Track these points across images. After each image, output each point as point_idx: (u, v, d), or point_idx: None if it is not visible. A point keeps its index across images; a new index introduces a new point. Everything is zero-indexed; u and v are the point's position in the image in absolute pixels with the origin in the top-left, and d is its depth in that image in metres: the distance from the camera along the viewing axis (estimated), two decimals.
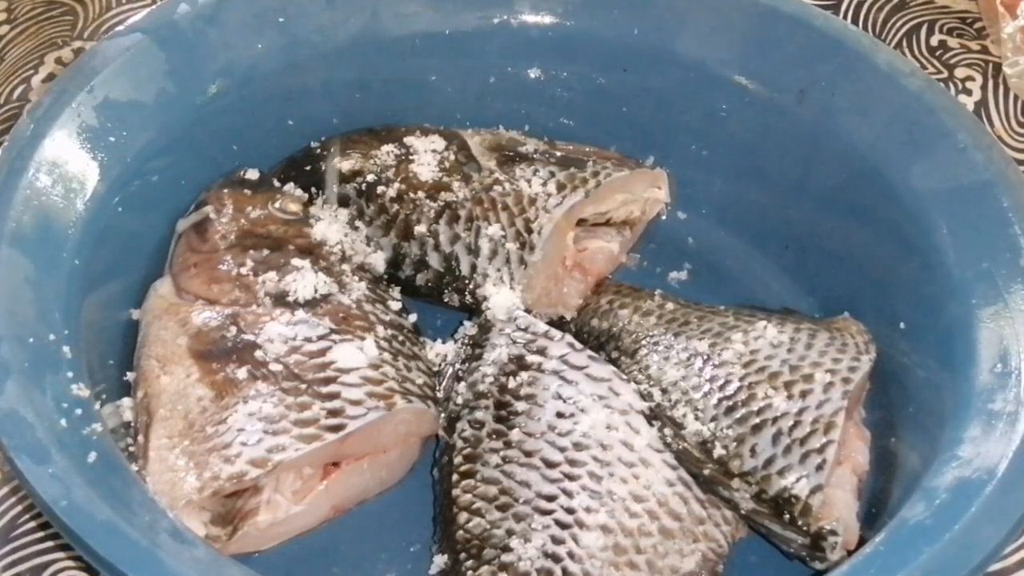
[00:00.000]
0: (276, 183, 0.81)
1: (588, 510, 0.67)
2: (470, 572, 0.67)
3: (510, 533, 0.67)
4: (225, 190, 0.79)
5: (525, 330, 0.75)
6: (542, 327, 0.75)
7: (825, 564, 0.68)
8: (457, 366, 0.76)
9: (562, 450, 0.69)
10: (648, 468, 0.69)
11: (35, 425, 0.59)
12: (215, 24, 0.79)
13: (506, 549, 0.66)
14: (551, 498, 0.68)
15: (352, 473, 0.71)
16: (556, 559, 0.66)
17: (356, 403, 0.70)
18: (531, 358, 0.74)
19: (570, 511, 0.67)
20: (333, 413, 0.69)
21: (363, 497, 0.73)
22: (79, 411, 0.62)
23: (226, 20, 0.80)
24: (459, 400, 0.74)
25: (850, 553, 0.67)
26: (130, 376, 0.71)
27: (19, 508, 0.75)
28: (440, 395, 0.75)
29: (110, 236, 0.72)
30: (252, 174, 0.81)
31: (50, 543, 0.73)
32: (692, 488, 0.69)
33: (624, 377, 0.73)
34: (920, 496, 0.62)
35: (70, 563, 0.72)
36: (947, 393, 0.68)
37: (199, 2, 0.79)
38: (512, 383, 0.73)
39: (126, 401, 0.70)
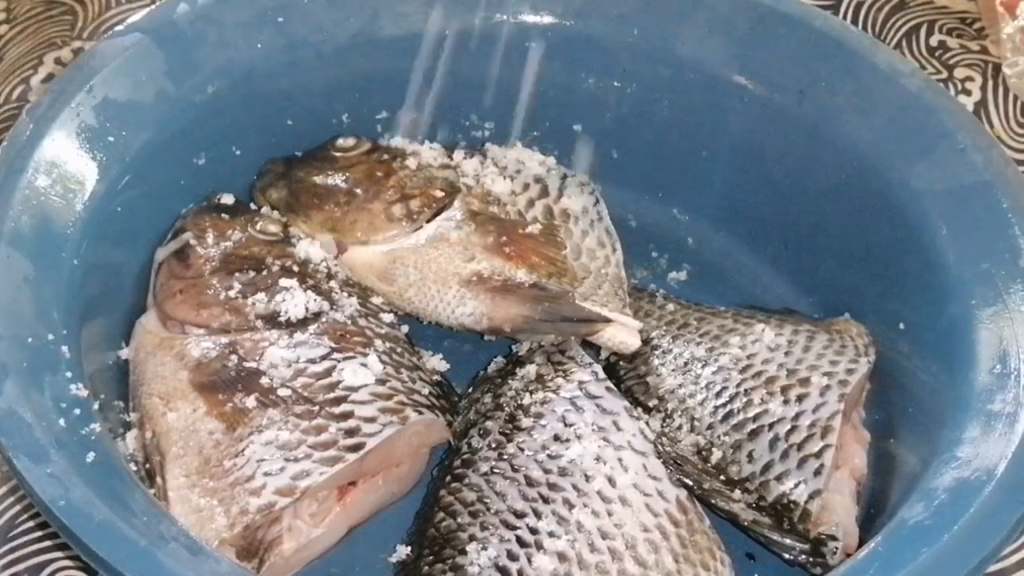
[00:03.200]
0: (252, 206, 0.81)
1: (551, 535, 0.66)
2: (426, 567, 0.67)
3: (472, 538, 0.67)
4: (203, 215, 0.78)
5: (562, 352, 0.76)
6: (578, 352, 0.76)
7: (826, 570, 0.68)
8: (495, 379, 0.76)
9: (546, 472, 0.69)
10: (625, 507, 0.68)
11: (34, 425, 0.59)
12: (214, 24, 0.79)
13: (462, 552, 0.66)
14: (520, 515, 0.67)
15: (368, 491, 0.71)
16: (505, 573, 0.65)
17: (370, 420, 0.69)
18: (553, 380, 0.74)
19: (534, 531, 0.67)
20: (350, 433, 0.69)
21: (377, 511, 0.73)
22: (77, 411, 0.62)
23: (225, 20, 0.79)
24: (481, 409, 0.74)
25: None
26: (132, 417, 0.70)
27: (18, 508, 0.75)
28: (463, 403, 0.76)
29: (109, 236, 0.72)
30: (227, 198, 0.80)
31: (49, 543, 0.73)
32: (669, 539, 0.67)
33: (635, 414, 0.72)
34: (919, 497, 0.62)
35: (68, 563, 0.72)
36: (946, 394, 0.68)
37: (198, 2, 0.79)
38: (528, 399, 0.73)
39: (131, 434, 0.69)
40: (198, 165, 0.79)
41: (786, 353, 0.75)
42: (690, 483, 0.70)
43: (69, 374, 0.64)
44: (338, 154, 0.83)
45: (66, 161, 0.71)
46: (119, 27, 0.78)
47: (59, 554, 0.73)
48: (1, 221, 0.67)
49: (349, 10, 0.82)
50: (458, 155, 0.84)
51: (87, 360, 0.67)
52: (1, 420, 0.59)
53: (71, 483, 0.58)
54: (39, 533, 0.74)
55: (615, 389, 0.74)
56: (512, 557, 0.66)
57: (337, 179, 0.81)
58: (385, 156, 0.83)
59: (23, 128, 0.71)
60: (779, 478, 0.70)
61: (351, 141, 0.84)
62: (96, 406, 0.64)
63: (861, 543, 0.67)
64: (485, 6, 0.84)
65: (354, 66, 0.83)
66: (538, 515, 0.67)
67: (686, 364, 0.76)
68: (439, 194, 0.81)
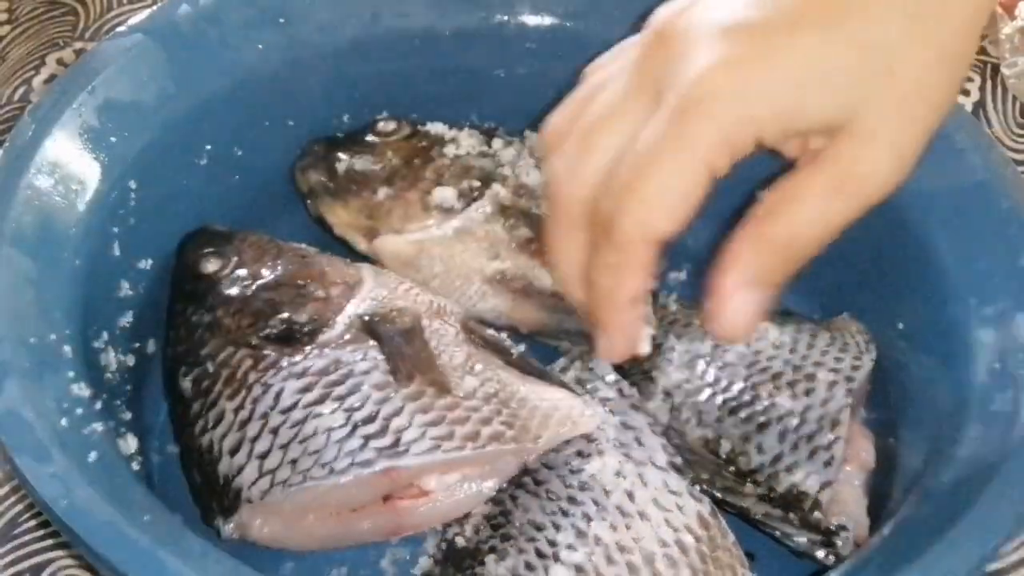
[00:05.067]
0: None
1: (569, 547, 0.66)
2: None
3: (492, 550, 0.67)
4: None
5: (591, 370, 0.76)
6: (607, 370, 0.75)
7: (838, 560, 0.68)
8: None
9: (567, 487, 0.69)
10: (644, 522, 0.67)
11: (36, 425, 0.59)
12: (216, 24, 0.79)
13: (481, 563, 0.67)
14: (540, 527, 0.67)
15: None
16: None
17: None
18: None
19: (552, 543, 0.66)
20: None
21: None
22: (80, 410, 0.62)
23: (227, 20, 0.80)
24: None
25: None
26: None
27: (19, 508, 0.75)
28: None
29: (112, 236, 0.72)
30: None
31: (50, 542, 0.74)
32: (688, 554, 0.67)
33: (658, 430, 0.72)
34: (919, 496, 0.62)
35: (70, 562, 0.73)
36: (946, 393, 0.68)
37: (200, 2, 0.79)
38: None
39: None
40: (200, 165, 0.79)
41: (791, 351, 0.75)
42: (706, 476, 0.70)
43: (71, 374, 0.64)
44: (377, 139, 0.83)
45: (68, 162, 0.71)
46: (121, 28, 0.78)
47: (60, 553, 0.73)
48: (3, 221, 0.67)
49: (350, 10, 0.83)
50: (497, 143, 0.84)
51: (89, 360, 0.67)
52: (3, 420, 0.59)
53: (73, 483, 0.57)
54: (41, 532, 0.74)
55: (640, 406, 0.74)
56: (529, 568, 0.66)
57: (375, 165, 0.82)
58: (424, 143, 0.83)
59: (25, 129, 0.71)
60: (789, 469, 0.70)
61: (392, 125, 0.84)
62: (98, 406, 0.64)
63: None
64: (485, 6, 0.85)
65: (355, 66, 0.84)
66: (557, 527, 0.67)
67: (691, 361, 0.76)
68: (475, 184, 0.81)
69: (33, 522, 0.75)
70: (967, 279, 0.71)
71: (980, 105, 0.96)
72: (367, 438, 0.67)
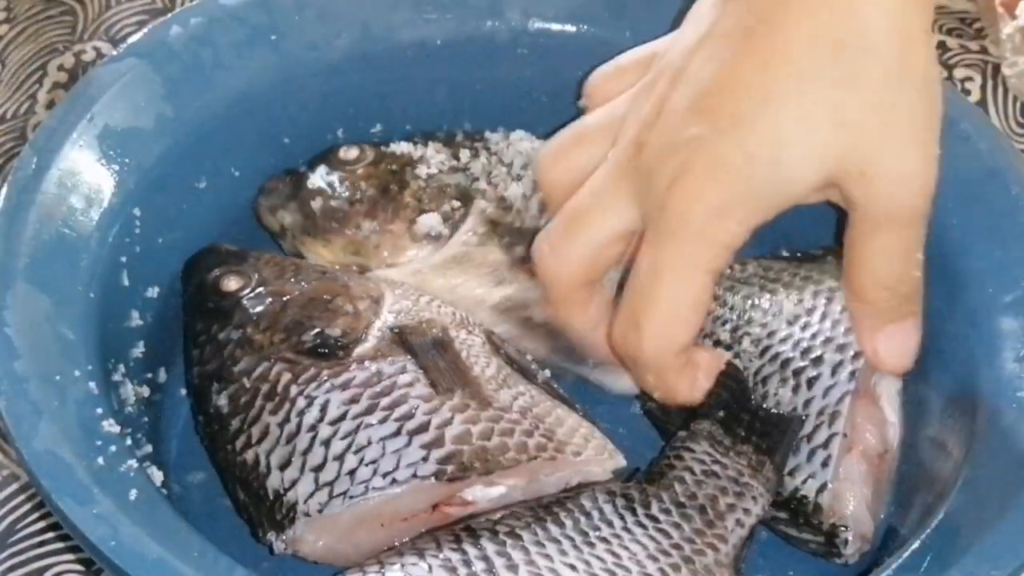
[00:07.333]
0: None
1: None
2: None
3: None
4: None
5: None
6: None
7: (842, 560, 0.68)
8: None
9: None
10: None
11: (74, 465, 0.58)
12: (208, 45, 0.78)
13: None
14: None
15: None
16: None
17: None
18: None
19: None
20: None
21: None
22: (113, 448, 0.61)
23: (218, 40, 0.79)
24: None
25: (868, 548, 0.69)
26: None
27: (19, 513, 0.75)
28: None
29: (122, 266, 0.71)
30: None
31: (50, 547, 0.74)
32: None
33: None
34: (961, 488, 0.62)
35: (70, 566, 0.73)
36: (972, 383, 0.69)
37: (190, 23, 0.78)
38: None
39: None
40: (199, 189, 0.78)
41: (803, 327, 0.73)
42: None
43: (99, 410, 0.62)
44: (344, 168, 0.81)
45: (72, 193, 0.70)
46: (114, 52, 0.77)
47: (60, 558, 0.73)
48: (16, 258, 0.66)
49: (341, 25, 0.82)
50: (464, 155, 0.82)
51: (113, 395, 0.67)
52: (42, 462, 0.58)
53: (118, 522, 0.57)
54: (42, 537, 0.74)
55: None
56: None
57: (352, 198, 0.79)
58: (393, 166, 0.81)
59: (28, 161, 0.70)
60: (791, 473, 0.70)
61: (354, 151, 0.81)
62: (128, 441, 0.63)
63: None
64: (475, 13, 0.84)
65: (347, 81, 0.83)
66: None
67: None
68: (456, 204, 0.79)
69: (32, 528, 0.74)
70: (984, 268, 0.71)
71: (981, 105, 0.97)
72: (425, 447, 0.65)
